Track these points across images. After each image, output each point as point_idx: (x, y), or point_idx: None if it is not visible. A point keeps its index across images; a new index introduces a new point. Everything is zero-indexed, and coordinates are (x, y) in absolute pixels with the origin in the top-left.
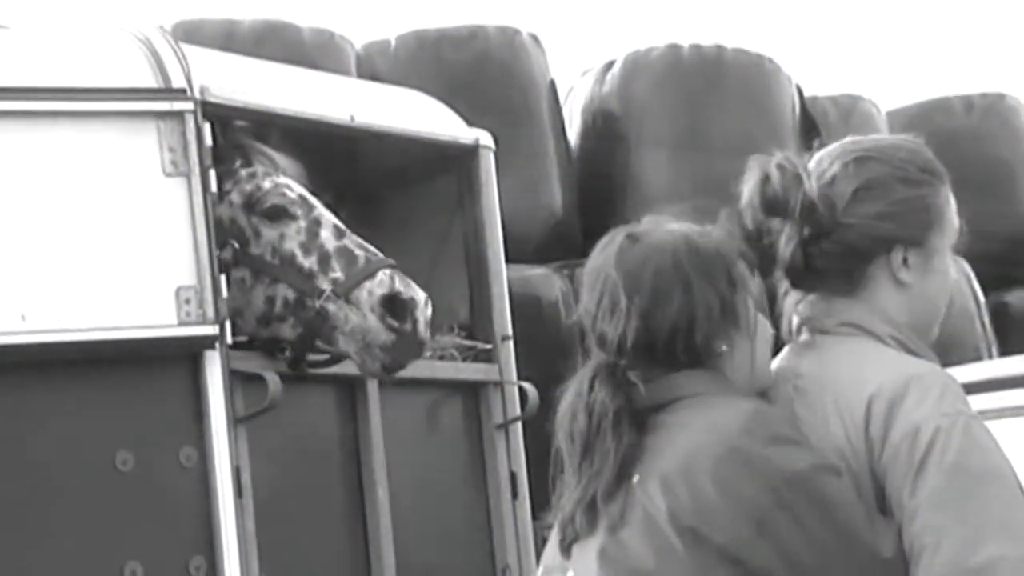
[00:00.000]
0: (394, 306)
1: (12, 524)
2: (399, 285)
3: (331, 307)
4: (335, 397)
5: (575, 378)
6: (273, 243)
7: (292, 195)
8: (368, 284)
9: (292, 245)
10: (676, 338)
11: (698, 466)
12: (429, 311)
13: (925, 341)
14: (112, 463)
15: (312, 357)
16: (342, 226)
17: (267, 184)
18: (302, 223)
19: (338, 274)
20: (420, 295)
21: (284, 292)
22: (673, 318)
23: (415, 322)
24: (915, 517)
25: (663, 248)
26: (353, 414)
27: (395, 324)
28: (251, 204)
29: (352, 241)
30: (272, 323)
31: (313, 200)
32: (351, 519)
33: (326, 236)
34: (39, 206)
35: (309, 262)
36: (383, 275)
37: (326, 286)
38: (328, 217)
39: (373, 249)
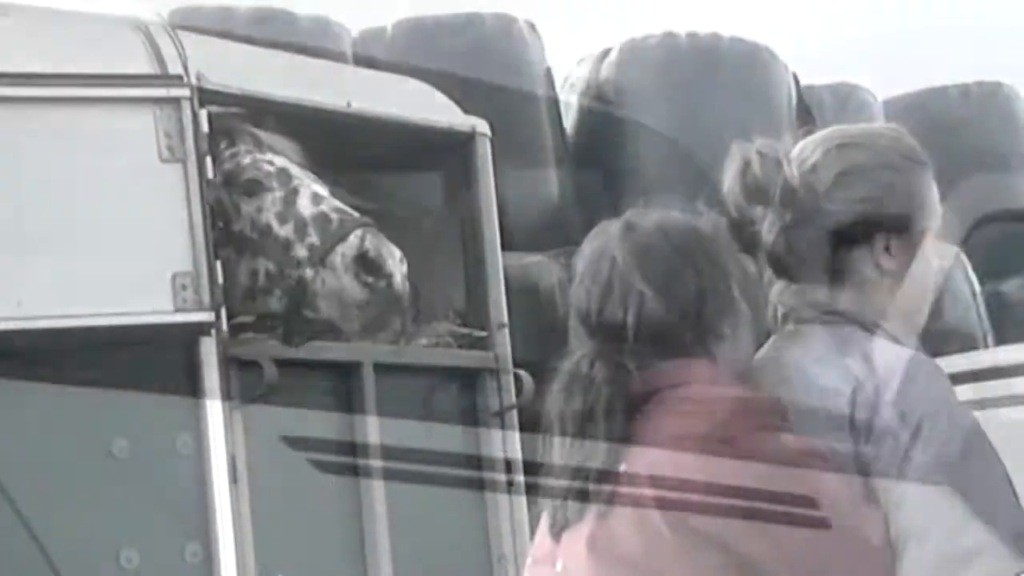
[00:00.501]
0: (367, 264)
1: (8, 511)
2: (368, 244)
3: (308, 273)
4: (331, 383)
5: (570, 360)
6: (252, 217)
7: (270, 168)
8: (341, 247)
9: (268, 216)
10: (686, 322)
11: (686, 454)
12: (404, 267)
13: (911, 329)
14: (108, 450)
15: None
16: (323, 192)
17: (246, 160)
18: (278, 194)
19: (314, 239)
20: (393, 251)
21: (265, 264)
22: (684, 301)
23: (389, 277)
24: (901, 506)
25: (668, 233)
26: (349, 401)
27: (369, 280)
28: (230, 181)
29: (329, 206)
30: (258, 297)
31: (296, 171)
32: (346, 505)
33: (303, 204)
34: (36, 192)
35: (285, 231)
36: (354, 236)
37: (303, 253)
38: (308, 186)
39: (349, 211)
